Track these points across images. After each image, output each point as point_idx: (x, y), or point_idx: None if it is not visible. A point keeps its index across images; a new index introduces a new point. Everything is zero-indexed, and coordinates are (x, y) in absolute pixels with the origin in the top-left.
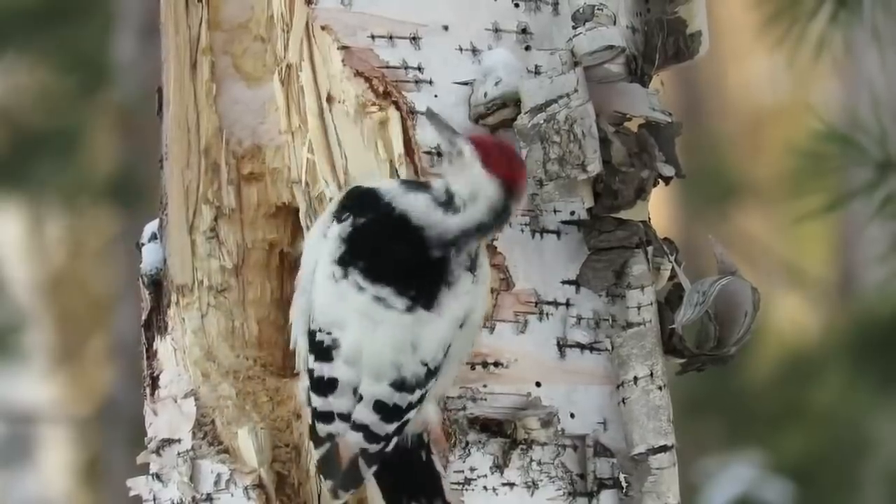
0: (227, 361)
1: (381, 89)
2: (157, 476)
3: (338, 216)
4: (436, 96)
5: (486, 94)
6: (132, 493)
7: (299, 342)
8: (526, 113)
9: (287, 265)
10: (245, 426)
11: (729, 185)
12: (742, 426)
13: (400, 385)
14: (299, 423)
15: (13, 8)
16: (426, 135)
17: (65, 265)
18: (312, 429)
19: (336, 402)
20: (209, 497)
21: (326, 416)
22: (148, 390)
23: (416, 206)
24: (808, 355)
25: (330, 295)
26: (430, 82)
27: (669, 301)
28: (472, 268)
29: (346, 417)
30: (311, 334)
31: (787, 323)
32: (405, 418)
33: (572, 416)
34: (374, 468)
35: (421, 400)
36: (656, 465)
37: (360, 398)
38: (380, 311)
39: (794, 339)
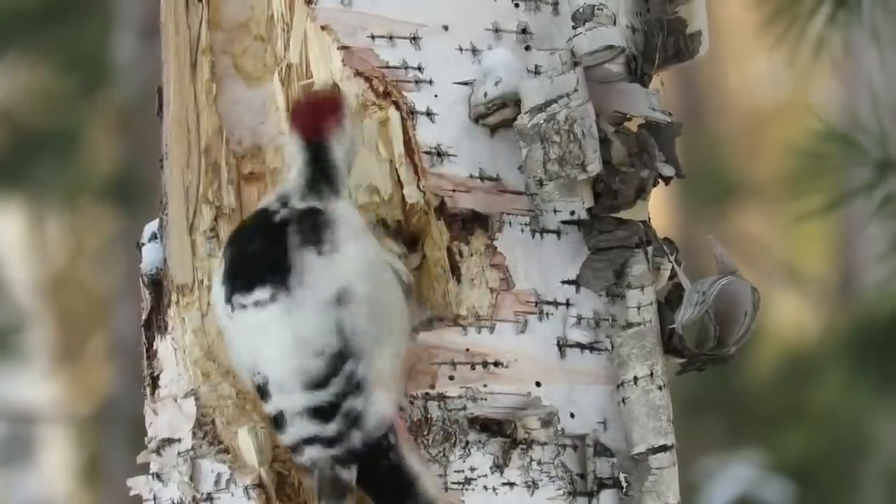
0: (228, 361)
1: (381, 89)
2: (158, 475)
3: (220, 262)
4: (436, 96)
5: (486, 94)
6: (132, 493)
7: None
8: (526, 113)
9: None
10: (245, 426)
11: (729, 185)
12: (742, 426)
13: (309, 385)
14: None
15: (13, 8)
16: (426, 135)
17: (65, 265)
18: (298, 468)
19: (295, 431)
20: (209, 497)
21: (295, 449)
22: (148, 390)
23: (265, 202)
24: (808, 355)
25: (235, 336)
26: (430, 82)
27: (669, 301)
28: (309, 244)
29: (310, 441)
30: (254, 383)
31: (787, 323)
32: (344, 411)
33: (572, 415)
34: (354, 469)
35: (349, 390)
36: (656, 465)
37: (298, 414)
38: (262, 316)
39: (793, 339)
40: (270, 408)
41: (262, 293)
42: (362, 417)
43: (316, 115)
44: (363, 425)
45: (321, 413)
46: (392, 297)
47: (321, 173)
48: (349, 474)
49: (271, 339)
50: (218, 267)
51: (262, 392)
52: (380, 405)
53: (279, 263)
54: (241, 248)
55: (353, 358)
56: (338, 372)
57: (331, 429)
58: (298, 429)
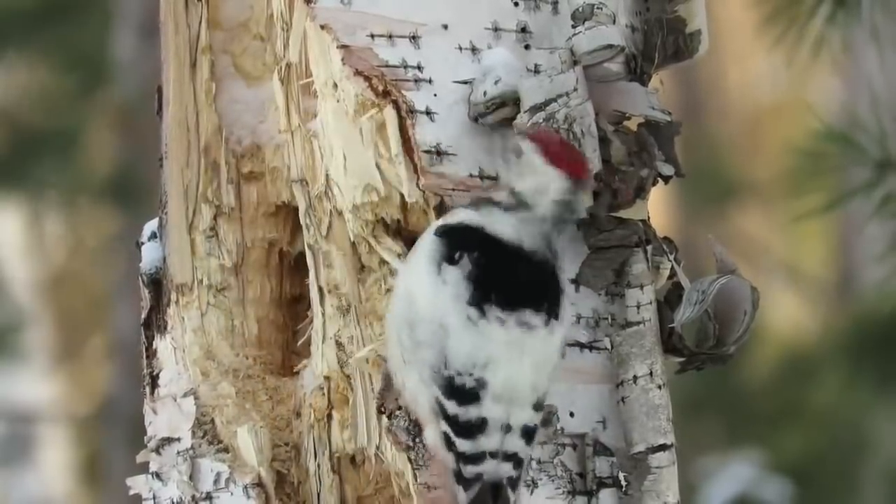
0: (227, 360)
1: (380, 88)
2: (157, 475)
3: (449, 259)
4: (435, 95)
5: (485, 93)
6: (132, 492)
7: (421, 393)
8: (525, 112)
9: (286, 264)
10: (245, 425)
11: (728, 184)
12: (741, 426)
13: (538, 406)
14: (299, 423)
15: (13, 8)
16: (425, 134)
17: (64, 264)
18: (458, 473)
19: (486, 442)
20: (209, 496)
21: (476, 458)
22: (147, 389)
23: (511, 229)
24: (807, 355)
25: (469, 337)
26: (430, 81)
27: (669, 300)
28: (566, 289)
29: (495, 454)
30: (449, 380)
31: (787, 322)
32: (538, 437)
33: (572, 414)
34: (518, 493)
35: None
36: (656, 464)
37: (509, 429)
38: (525, 337)
39: (792, 339)
40: (472, 413)
41: (531, 317)
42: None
43: (580, 157)
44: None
45: (531, 434)
46: None
47: (569, 211)
48: (513, 497)
49: (524, 357)
50: (452, 266)
51: (462, 393)
52: None
53: (547, 295)
54: (498, 263)
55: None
56: (543, 404)
57: (529, 451)
58: (497, 441)
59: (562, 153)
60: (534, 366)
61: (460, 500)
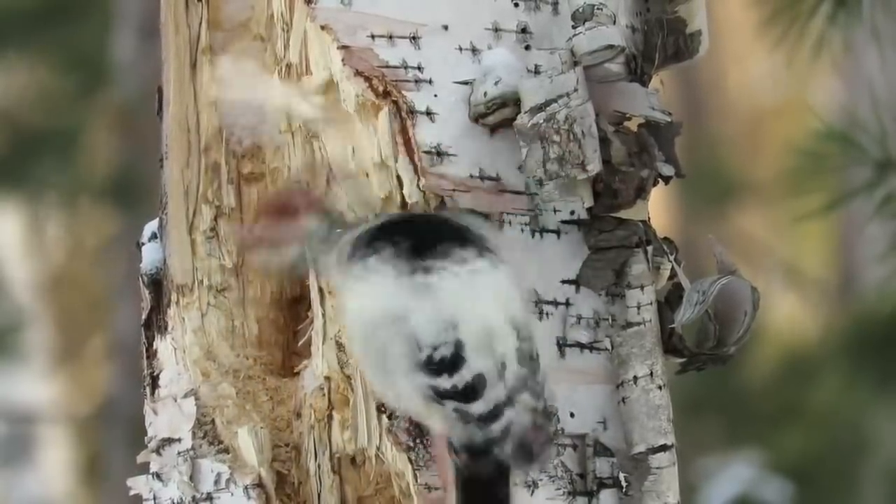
0: (227, 361)
1: (380, 89)
2: (157, 475)
3: (356, 254)
4: (435, 96)
5: (485, 94)
6: (132, 493)
7: (410, 392)
8: (526, 112)
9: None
10: (245, 425)
11: (729, 184)
12: (741, 426)
13: (519, 335)
14: (299, 423)
15: (13, 8)
16: (425, 134)
17: (64, 265)
18: (486, 441)
19: (493, 394)
20: (209, 496)
21: (494, 414)
22: (148, 390)
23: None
24: (808, 355)
25: (427, 304)
26: (430, 82)
27: (669, 300)
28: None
29: (509, 402)
30: (429, 359)
31: (787, 323)
32: (541, 371)
33: (572, 415)
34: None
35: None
36: (656, 465)
37: (504, 367)
38: (470, 275)
39: (793, 339)
40: (465, 375)
41: (465, 253)
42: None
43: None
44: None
45: (530, 359)
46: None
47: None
48: (550, 427)
49: (480, 292)
50: (347, 266)
51: (451, 362)
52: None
53: (473, 235)
54: (407, 229)
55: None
56: (531, 336)
57: (539, 380)
58: (501, 385)
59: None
60: (495, 299)
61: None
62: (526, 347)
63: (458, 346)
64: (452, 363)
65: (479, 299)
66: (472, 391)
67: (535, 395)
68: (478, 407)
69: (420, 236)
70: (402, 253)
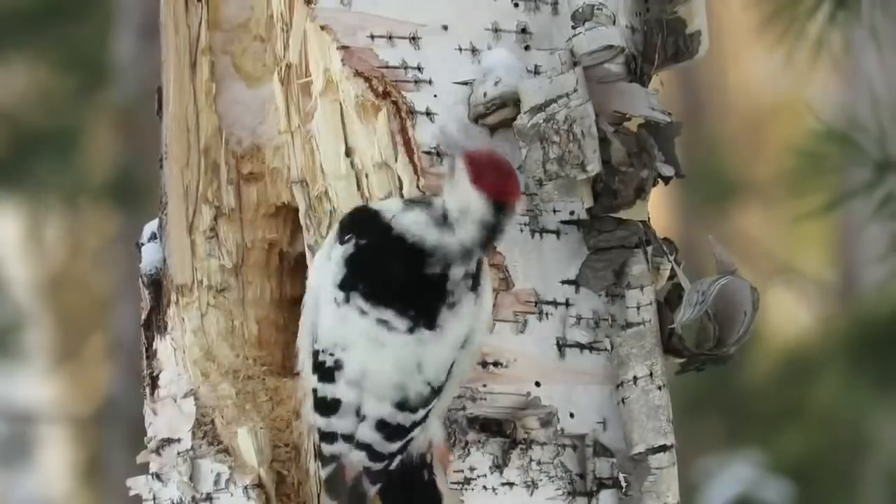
0: (227, 361)
1: (380, 89)
2: (157, 475)
3: (340, 238)
4: (435, 96)
5: (485, 94)
6: (132, 493)
7: (305, 362)
8: (525, 113)
9: (286, 265)
10: (245, 426)
11: (728, 184)
12: (742, 426)
13: (402, 405)
14: (299, 423)
15: (13, 8)
16: (425, 135)
17: (64, 265)
18: (318, 449)
19: (338, 423)
20: (209, 496)
21: (330, 437)
22: (148, 390)
23: (414, 225)
24: (808, 355)
25: (333, 318)
26: (430, 82)
27: (669, 301)
28: (473, 287)
29: (348, 438)
30: (315, 354)
31: (787, 323)
32: (409, 437)
33: (572, 415)
34: (378, 486)
35: (425, 419)
36: (656, 465)
37: (363, 418)
38: (383, 334)
39: (793, 339)
40: (328, 390)
41: (392, 317)
42: (411, 447)
43: (508, 180)
44: (408, 454)
45: (392, 432)
46: (481, 342)
47: (492, 233)
48: (371, 489)
49: (382, 352)
50: (339, 245)
51: (323, 370)
52: (429, 432)
53: (420, 303)
54: (380, 255)
55: (441, 394)
56: (428, 404)
57: (391, 447)
58: (350, 427)
59: (489, 177)
60: (397, 364)
61: (321, 476)
62: (396, 419)
63: (338, 365)
64: (328, 373)
65: (380, 353)
66: (326, 406)
67: (373, 457)
68: (321, 422)
69: (377, 272)
70: (350, 269)
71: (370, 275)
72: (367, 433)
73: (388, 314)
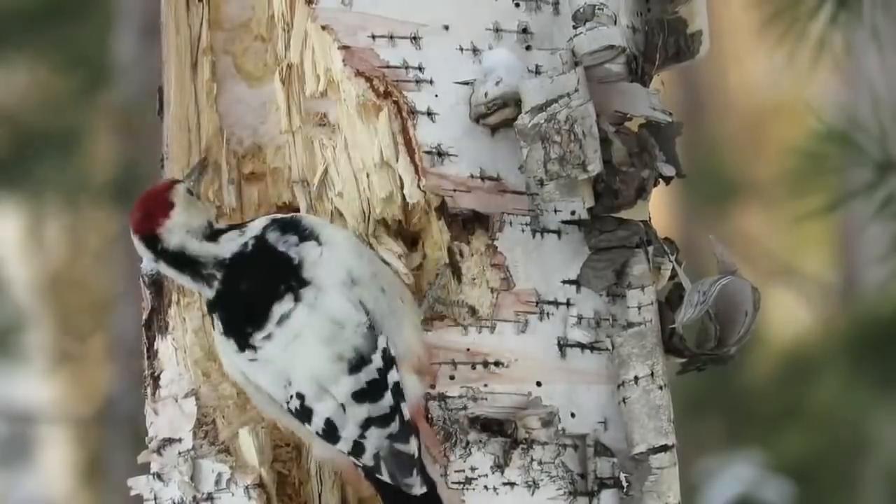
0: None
1: (381, 89)
2: (158, 475)
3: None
4: (436, 96)
5: (486, 94)
6: (133, 493)
7: (288, 423)
8: (526, 112)
9: None
10: (245, 426)
11: (729, 185)
12: (742, 426)
13: (351, 366)
14: None
15: (13, 8)
16: (426, 134)
17: (65, 265)
18: (365, 473)
19: (350, 430)
20: (210, 496)
21: (357, 452)
22: (149, 390)
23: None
24: (808, 355)
25: (256, 370)
26: (431, 82)
27: (670, 301)
28: (309, 237)
29: (364, 436)
30: (290, 410)
31: (787, 323)
32: (390, 382)
33: (573, 415)
34: (414, 441)
35: (388, 364)
36: (657, 465)
37: (344, 408)
38: (291, 328)
39: (793, 340)
40: (317, 423)
41: (283, 306)
42: (405, 389)
43: (144, 211)
44: (408, 397)
45: (371, 391)
46: (387, 271)
47: (176, 262)
48: (410, 447)
49: (304, 343)
50: (214, 331)
51: (305, 413)
52: (413, 383)
53: (286, 269)
54: (231, 302)
55: (381, 333)
56: (376, 346)
57: (384, 403)
58: (352, 421)
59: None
60: (328, 334)
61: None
62: (359, 384)
63: (301, 398)
64: (306, 412)
65: (298, 353)
66: (330, 434)
67: (383, 422)
68: (340, 446)
69: (246, 303)
70: (233, 331)
71: (239, 318)
72: (360, 411)
73: (278, 308)
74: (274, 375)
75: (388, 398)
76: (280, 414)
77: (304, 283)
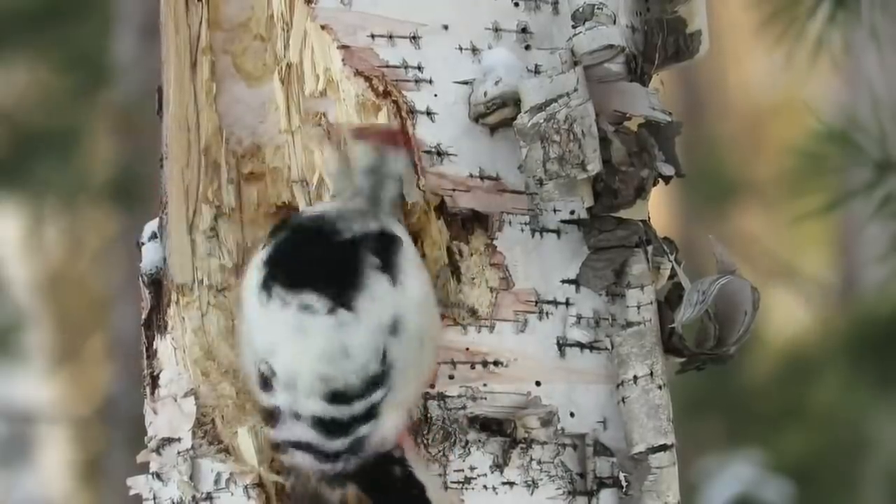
0: (227, 360)
1: (381, 89)
2: (157, 475)
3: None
4: (436, 95)
5: (485, 94)
6: (132, 493)
7: (254, 381)
8: (526, 112)
9: None
10: (245, 425)
11: (729, 184)
12: (742, 426)
13: (334, 397)
14: None
15: (13, 8)
16: (425, 134)
17: (64, 265)
18: (280, 464)
19: (283, 432)
20: (209, 496)
21: (281, 447)
22: (148, 389)
23: (315, 208)
24: (808, 355)
25: (260, 324)
26: (430, 81)
27: (669, 300)
28: (385, 269)
29: (296, 444)
30: (257, 368)
31: (787, 323)
32: (354, 434)
33: (572, 415)
34: (341, 490)
35: (370, 415)
36: (656, 465)
37: (299, 417)
38: (306, 320)
39: (793, 339)
40: (268, 400)
41: (313, 299)
42: (364, 444)
43: (387, 136)
44: (362, 452)
45: (331, 427)
46: (436, 330)
47: (381, 187)
48: (333, 495)
49: (307, 342)
50: (260, 249)
51: (265, 382)
52: (385, 429)
53: (345, 279)
54: (296, 245)
55: (383, 388)
56: (366, 396)
57: (335, 445)
58: (293, 431)
59: (372, 131)
60: (322, 353)
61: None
62: (330, 413)
63: (272, 372)
64: (267, 383)
65: (304, 345)
66: (270, 417)
67: (321, 458)
68: (271, 434)
69: (293, 259)
70: (267, 266)
71: (287, 265)
72: (305, 433)
73: (309, 297)
74: (261, 331)
75: (336, 443)
76: (249, 369)
77: (349, 306)
